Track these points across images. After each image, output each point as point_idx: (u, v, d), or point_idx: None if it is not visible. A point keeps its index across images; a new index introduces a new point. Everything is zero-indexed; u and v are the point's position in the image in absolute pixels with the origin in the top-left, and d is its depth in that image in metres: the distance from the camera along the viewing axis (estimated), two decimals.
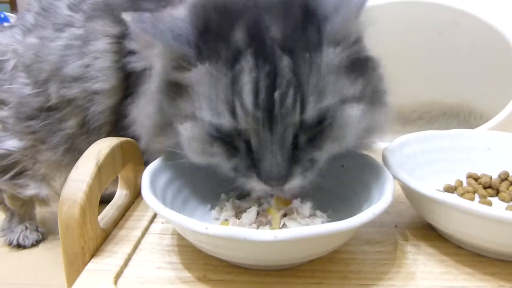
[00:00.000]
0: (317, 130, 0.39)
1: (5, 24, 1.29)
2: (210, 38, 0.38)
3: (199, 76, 0.38)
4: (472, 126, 1.05)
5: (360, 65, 0.41)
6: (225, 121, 0.37)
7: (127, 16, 0.39)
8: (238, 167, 0.40)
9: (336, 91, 0.38)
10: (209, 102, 0.37)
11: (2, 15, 1.29)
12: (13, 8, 1.83)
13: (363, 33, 0.42)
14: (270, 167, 0.37)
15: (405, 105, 1.15)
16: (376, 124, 0.44)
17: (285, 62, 0.36)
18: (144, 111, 0.46)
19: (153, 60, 0.44)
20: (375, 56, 0.44)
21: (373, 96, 0.42)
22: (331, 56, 0.38)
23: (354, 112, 0.39)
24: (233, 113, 0.37)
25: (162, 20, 0.39)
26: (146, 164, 0.46)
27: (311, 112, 0.37)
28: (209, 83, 0.37)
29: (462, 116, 1.12)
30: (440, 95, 1.12)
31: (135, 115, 0.50)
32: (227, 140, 0.39)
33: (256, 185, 0.39)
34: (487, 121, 0.79)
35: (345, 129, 0.40)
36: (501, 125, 0.75)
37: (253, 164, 0.38)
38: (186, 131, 0.40)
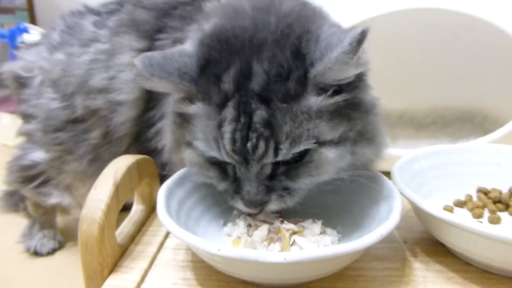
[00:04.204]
0: (294, 165, 0.41)
1: (25, 34, 1.34)
2: (207, 78, 0.41)
3: (197, 111, 0.42)
4: (486, 131, 1.05)
5: (348, 110, 0.41)
6: (214, 154, 0.42)
7: (137, 60, 0.41)
8: (227, 190, 0.44)
9: (313, 136, 0.40)
10: (203, 135, 0.42)
11: (22, 26, 1.33)
12: (32, 16, 1.86)
13: (363, 72, 0.42)
14: (249, 195, 0.42)
15: (418, 109, 1.14)
16: (362, 161, 0.44)
17: (258, 115, 0.39)
18: (167, 127, 0.50)
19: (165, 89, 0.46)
20: (371, 97, 0.44)
21: (358, 138, 0.43)
22: (312, 104, 0.39)
23: (331, 154, 0.41)
24: (219, 149, 0.41)
25: (171, 59, 0.42)
26: (167, 176, 0.48)
27: (284, 156, 0.40)
28: (203, 120, 0.41)
29: (477, 121, 1.11)
30: (454, 100, 1.11)
31: (164, 128, 0.53)
32: (220, 165, 0.43)
33: (241, 207, 0.43)
34: (502, 125, 0.78)
35: (321, 168, 0.42)
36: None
37: (238, 190, 0.43)
38: (188, 156, 0.45)
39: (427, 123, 1.16)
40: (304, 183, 0.42)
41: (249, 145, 0.39)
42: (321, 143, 0.40)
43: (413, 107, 1.14)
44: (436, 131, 1.11)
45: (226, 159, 0.41)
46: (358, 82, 0.42)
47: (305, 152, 0.41)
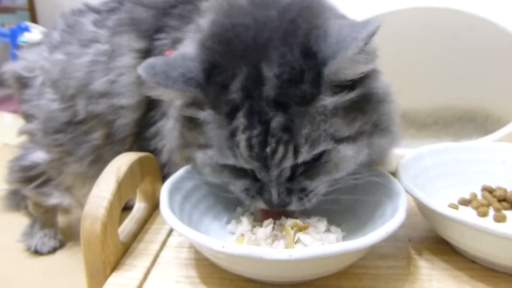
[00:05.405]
0: (313, 164, 0.41)
1: (26, 33, 1.34)
2: (214, 87, 0.40)
3: (207, 118, 0.41)
4: (488, 131, 1.05)
5: (362, 103, 0.41)
6: (230, 162, 0.41)
7: (141, 70, 0.40)
8: (249, 190, 0.43)
9: (331, 135, 0.40)
10: (216, 143, 0.41)
11: (23, 25, 1.32)
12: (33, 16, 1.87)
13: (374, 66, 0.41)
14: (272, 197, 0.41)
15: (420, 109, 1.14)
16: (378, 152, 0.44)
17: (276, 122, 0.38)
18: (171, 132, 0.49)
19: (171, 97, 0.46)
20: (383, 85, 0.43)
21: (374, 130, 0.42)
22: (327, 103, 0.39)
23: (349, 151, 0.41)
24: (236, 157, 0.40)
25: (174, 64, 0.41)
26: (166, 177, 0.48)
27: (304, 158, 0.40)
28: (214, 129, 0.41)
29: (479, 121, 1.11)
30: (456, 100, 1.11)
31: (166, 132, 0.53)
32: (235, 168, 0.42)
33: (262, 206, 0.43)
34: (504, 125, 0.78)
35: (339, 166, 0.41)
36: None
37: (261, 192, 0.42)
38: (200, 158, 0.44)
39: (429, 123, 1.15)
40: (322, 181, 0.42)
41: (268, 149, 0.39)
42: (338, 140, 0.40)
43: (414, 107, 1.13)
44: (438, 131, 1.11)
45: (245, 165, 0.41)
46: (370, 77, 0.41)
47: (323, 151, 0.40)
